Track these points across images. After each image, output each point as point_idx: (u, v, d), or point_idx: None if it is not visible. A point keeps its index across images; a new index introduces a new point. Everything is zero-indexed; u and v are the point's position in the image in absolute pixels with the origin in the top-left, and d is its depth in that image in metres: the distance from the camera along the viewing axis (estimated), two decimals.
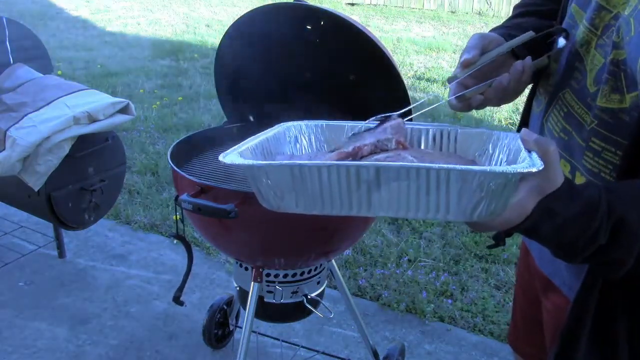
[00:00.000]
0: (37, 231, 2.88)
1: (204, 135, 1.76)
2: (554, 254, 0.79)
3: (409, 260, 2.72)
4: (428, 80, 5.90)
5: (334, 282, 1.87)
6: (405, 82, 1.46)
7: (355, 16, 9.17)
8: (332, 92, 1.58)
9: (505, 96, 0.96)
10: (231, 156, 0.81)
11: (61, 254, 2.71)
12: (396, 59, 4.64)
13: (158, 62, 6.52)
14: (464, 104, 0.95)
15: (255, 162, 0.78)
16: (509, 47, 0.96)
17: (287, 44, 1.63)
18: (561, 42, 0.95)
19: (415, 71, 6.24)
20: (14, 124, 2.08)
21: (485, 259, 2.76)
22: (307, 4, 1.52)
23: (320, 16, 1.54)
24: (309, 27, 1.58)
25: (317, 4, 1.62)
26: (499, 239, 1.03)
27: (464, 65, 0.93)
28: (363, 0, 10.79)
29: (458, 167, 0.67)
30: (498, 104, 0.99)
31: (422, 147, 0.95)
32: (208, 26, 8.65)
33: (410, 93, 1.49)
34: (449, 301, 2.43)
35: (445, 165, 0.67)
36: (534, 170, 0.66)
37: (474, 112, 4.92)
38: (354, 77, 1.57)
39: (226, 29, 1.66)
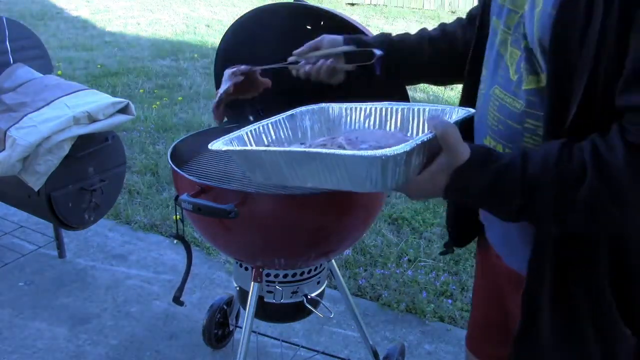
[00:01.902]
0: (37, 231, 2.88)
1: (204, 135, 1.75)
2: (497, 217, 0.87)
3: (409, 260, 2.72)
4: None
5: (334, 282, 1.87)
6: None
7: (355, 16, 9.16)
8: (332, 92, 1.57)
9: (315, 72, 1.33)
10: (218, 143, 1.04)
11: (61, 254, 2.71)
12: None
13: (158, 62, 6.51)
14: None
15: (224, 147, 1.02)
16: (326, 54, 1.29)
17: (287, 44, 1.62)
18: (377, 52, 1.21)
19: None
20: (14, 124, 2.08)
21: None
22: (307, 4, 1.52)
23: (320, 16, 1.54)
24: (309, 27, 1.58)
25: (317, 4, 1.62)
26: (448, 247, 1.25)
27: (297, 54, 1.34)
28: (363, 0, 10.79)
29: (337, 152, 0.82)
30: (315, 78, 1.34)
31: (399, 123, 1.13)
32: (208, 26, 8.65)
33: (410, 93, 1.49)
34: (449, 301, 2.43)
35: (327, 151, 0.84)
36: (389, 154, 0.76)
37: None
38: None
39: (226, 29, 1.66)
